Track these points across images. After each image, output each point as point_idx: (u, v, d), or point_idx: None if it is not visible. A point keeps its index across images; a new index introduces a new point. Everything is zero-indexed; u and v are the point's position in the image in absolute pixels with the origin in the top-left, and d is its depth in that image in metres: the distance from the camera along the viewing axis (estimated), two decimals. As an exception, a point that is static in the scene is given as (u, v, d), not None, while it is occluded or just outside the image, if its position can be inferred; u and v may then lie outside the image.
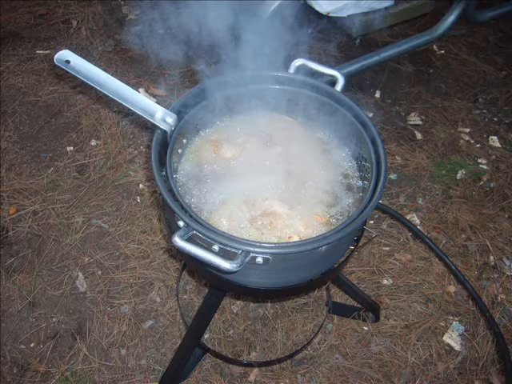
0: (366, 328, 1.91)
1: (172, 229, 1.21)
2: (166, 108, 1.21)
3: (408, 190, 2.35)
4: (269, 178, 1.29)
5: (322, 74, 1.36)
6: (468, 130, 2.64)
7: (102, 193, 2.24)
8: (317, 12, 2.42)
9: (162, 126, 1.19)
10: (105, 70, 1.18)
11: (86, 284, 1.97)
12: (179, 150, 1.32)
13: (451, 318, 1.94)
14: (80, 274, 1.99)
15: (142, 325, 1.88)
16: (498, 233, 2.18)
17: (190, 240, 1.02)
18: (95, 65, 1.19)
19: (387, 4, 2.55)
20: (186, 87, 2.68)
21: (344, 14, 2.44)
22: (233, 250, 1.02)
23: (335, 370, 1.80)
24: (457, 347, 1.87)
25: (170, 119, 1.20)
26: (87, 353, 1.80)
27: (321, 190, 1.29)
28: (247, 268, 1.03)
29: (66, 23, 3.01)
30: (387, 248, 2.12)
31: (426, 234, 2.10)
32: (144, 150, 2.43)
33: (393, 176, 2.42)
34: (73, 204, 2.19)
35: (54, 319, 1.88)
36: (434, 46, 3.11)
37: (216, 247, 1.03)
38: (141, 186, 2.29)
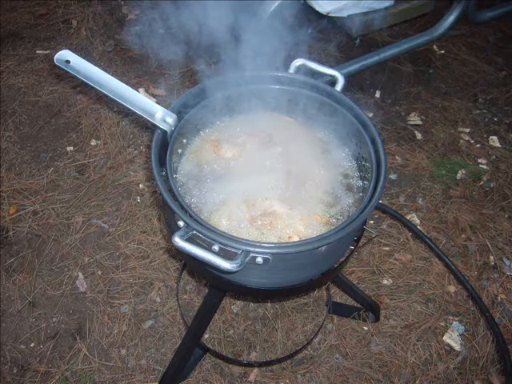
0: (365, 328, 1.91)
1: (172, 229, 1.21)
2: (166, 108, 1.21)
3: (408, 190, 2.35)
4: (269, 178, 1.29)
5: (322, 74, 1.36)
6: (468, 130, 2.64)
7: (102, 193, 2.24)
8: (317, 12, 2.42)
9: (162, 126, 1.19)
10: (105, 70, 1.18)
11: (86, 284, 1.97)
12: (179, 150, 1.32)
13: (451, 318, 1.94)
14: (80, 274, 1.99)
15: (141, 325, 1.88)
16: (498, 233, 2.18)
17: (190, 240, 1.02)
18: (95, 65, 1.19)
19: (387, 4, 2.55)
20: (186, 87, 2.68)
21: (344, 14, 2.44)
22: (233, 250, 1.02)
23: (335, 370, 1.80)
24: (457, 347, 1.87)
25: (170, 119, 1.21)
26: (87, 353, 1.80)
27: (321, 189, 1.29)
28: (247, 268, 1.03)
29: (66, 23, 3.01)
30: (387, 248, 2.12)
31: (426, 233, 2.09)
32: (144, 149, 2.43)
33: (393, 176, 2.42)
34: (73, 204, 2.19)
35: (54, 319, 1.88)
36: (434, 46, 3.11)
37: (216, 247, 1.03)
38: (141, 185, 2.29)
